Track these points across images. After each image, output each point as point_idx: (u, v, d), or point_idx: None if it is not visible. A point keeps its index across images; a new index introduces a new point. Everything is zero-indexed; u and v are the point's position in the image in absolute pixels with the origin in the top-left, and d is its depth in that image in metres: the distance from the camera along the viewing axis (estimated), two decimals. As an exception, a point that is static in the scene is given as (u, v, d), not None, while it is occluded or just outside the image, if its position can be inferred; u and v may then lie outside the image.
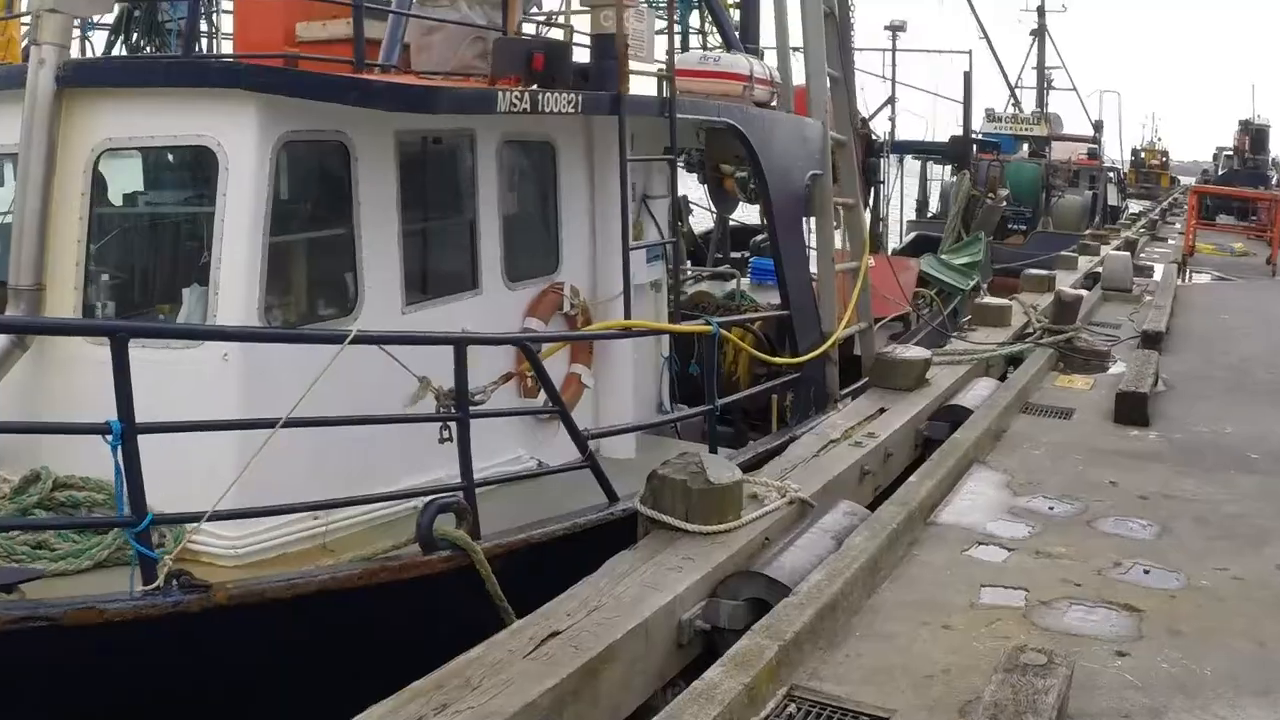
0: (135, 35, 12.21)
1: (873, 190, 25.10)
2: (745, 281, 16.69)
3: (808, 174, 13.22)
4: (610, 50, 10.48)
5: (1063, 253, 24.21)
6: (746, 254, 19.52)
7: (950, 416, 10.97)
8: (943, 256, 24.14)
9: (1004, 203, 28.91)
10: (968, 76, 27.07)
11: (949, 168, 33.95)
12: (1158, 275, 23.13)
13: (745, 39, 15.52)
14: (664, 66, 11.44)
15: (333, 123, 8.35)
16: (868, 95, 29.42)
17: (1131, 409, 10.68)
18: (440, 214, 9.96)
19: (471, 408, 7.59)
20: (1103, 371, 13.32)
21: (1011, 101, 47.08)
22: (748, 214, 20.92)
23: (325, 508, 7.55)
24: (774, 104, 13.35)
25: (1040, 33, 50.74)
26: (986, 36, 43.64)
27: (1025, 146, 44.76)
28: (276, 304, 8.32)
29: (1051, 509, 8.24)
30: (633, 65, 10.86)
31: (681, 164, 18.86)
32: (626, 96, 9.87)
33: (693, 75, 12.36)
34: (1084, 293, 19.82)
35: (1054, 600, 6.62)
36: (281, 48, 9.77)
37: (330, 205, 8.82)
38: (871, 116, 27.75)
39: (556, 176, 10.84)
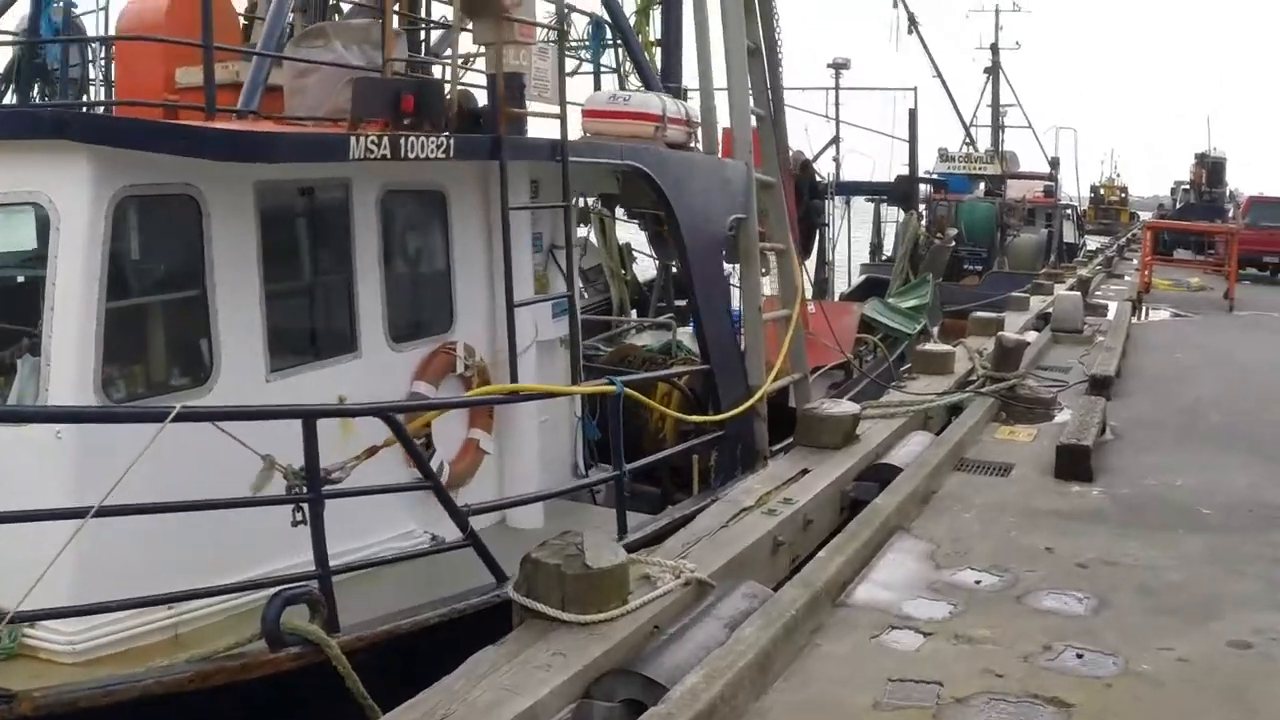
0: (23, 84, 11.80)
1: (818, 233, 24.42)
2: (688, 331, 16.00)
3: (730, 218, 12.48)
4: (510, 91, 9.80)
5: (1014, 293, 23.51)
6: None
7: (879, 476, 10.20)
8: (889, 300, 23.49)
9: (952, 243, 28.31)
10: (913, 114, 26.55)
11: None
12: (1111, 314, 22.51)
13: (667, 78, 14.84)
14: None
15: (179, 175, 7.58)
16: (811, 135, 28.78)
17: (1073, 463, 9.92)
18: (312, 271, 9.18)
19: (328, 486, 6.81)
20: (1048, 420, 12.58)
21: (965, 140, 46.66)
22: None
23: (157, 603, 6.78)
24: (694, 145, 12.63)
25: (994, 70, 50.43)
26: (940, 75, 43.31)
27: (981, 185, 44.33)
28: (118, 375, 7.51)
29: (978, 582, 7.43)
30: (535, 107, 10.22)
31: (621, 211, 18.21)
32: (507, 140, 9.05)
33: (601, 116, 11.63)
34: (1027, 337, 19.20)
35: (971, 696, 5.80)
36: (161, 94, 9.16)
37: (180, 265, 8.03)
38: (816, 157, 27.26)
39: (448, 227, 10.08)
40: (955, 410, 13.00)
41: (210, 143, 7.45)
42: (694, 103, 14.05)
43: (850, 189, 27.77)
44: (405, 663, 6.86)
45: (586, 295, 23.03)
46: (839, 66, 30.25)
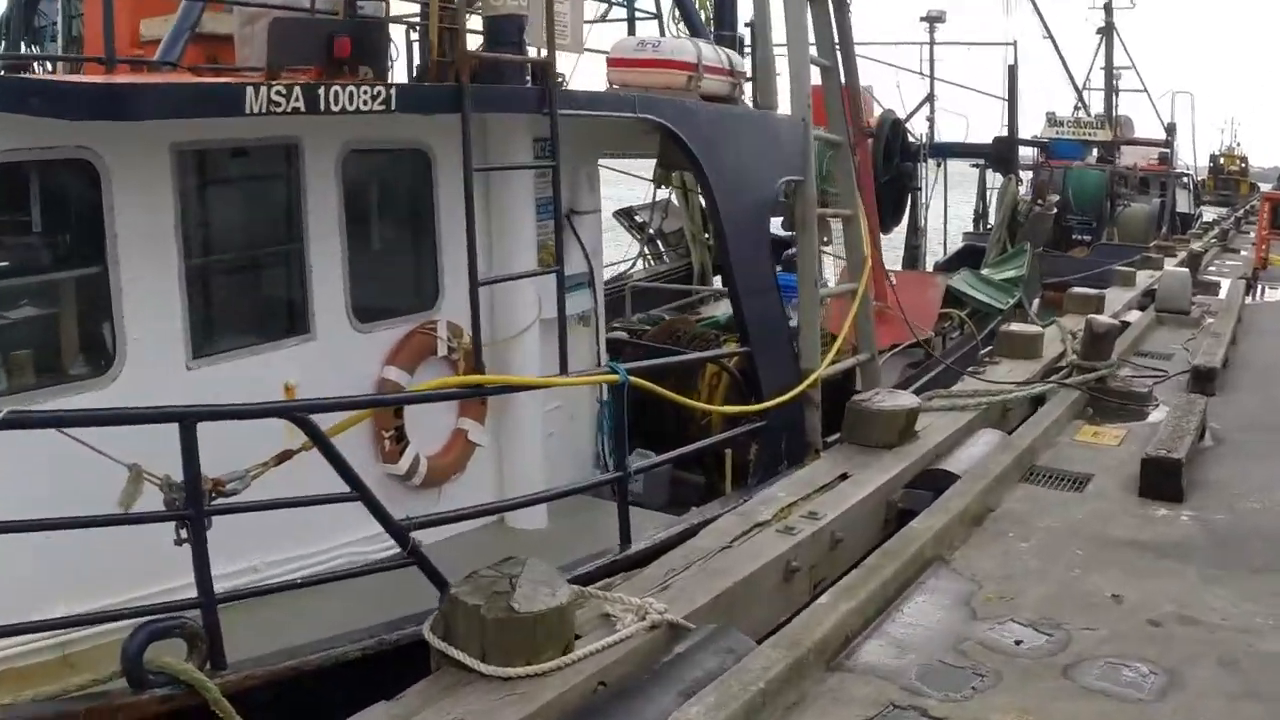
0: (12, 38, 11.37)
1: (909, 198, 22.73)
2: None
3: (781, 180, 11.03)
4: (505, 36, 8.49)
5: (1118, 266, 21.62)
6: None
7: (934, 483, 8.74)
8: (984, 271, 21.81)
9: (1054, 210, 26.40)
10: (1012, 70, 24.57)
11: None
12: (1223, 293, 20.59)
13: (721, 25, 13.32)
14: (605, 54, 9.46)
15: (72, 138, 6.50)
16: (904, 93, 27.04)
17: (1161, 480, 8.33)
18: (249, 243, 7.99)
19: (219, 500, 5.63)
20: (1141, 419, 10.96)
21: (1076, 105, 44.30)
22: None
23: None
24: (742, 98, 11.20)
25: (1108, 30, 47.74)
26: (1050, 35, 41.13)
27: (1094, 152, 42.16)
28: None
29: (1019, 643, 5.89)
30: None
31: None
32: (469, 89, 7.63)
33: (627, 65, 10.28)
34: (1130, 316, 17.45)
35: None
36: (129, 48, 8.38)
37: (76, 239, 6.98)
38: (909, 116, 25.54)
39: (434, 191, 8.83)
40: (1038, 402, 11.44)
41: (63, 100, 6.23)
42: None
43: (945, 150, 25.94)
44: (315, 702, 5.89)
45: (668, 260, 21.80)
46: (933, 20, 28.33)
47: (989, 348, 14.33)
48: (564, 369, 8.34)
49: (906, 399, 9.77)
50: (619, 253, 23.96)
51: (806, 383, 10.67)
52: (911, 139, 23.30)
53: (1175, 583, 6.76)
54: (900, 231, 23.63)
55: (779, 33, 12.06)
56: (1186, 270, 19.00)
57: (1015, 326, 14.06)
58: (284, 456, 6.11)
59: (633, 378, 8.10)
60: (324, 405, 6.34)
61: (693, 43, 10.34)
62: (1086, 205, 36.84)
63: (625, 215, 22.19)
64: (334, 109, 6.84)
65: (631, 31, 12.64)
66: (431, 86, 7.76)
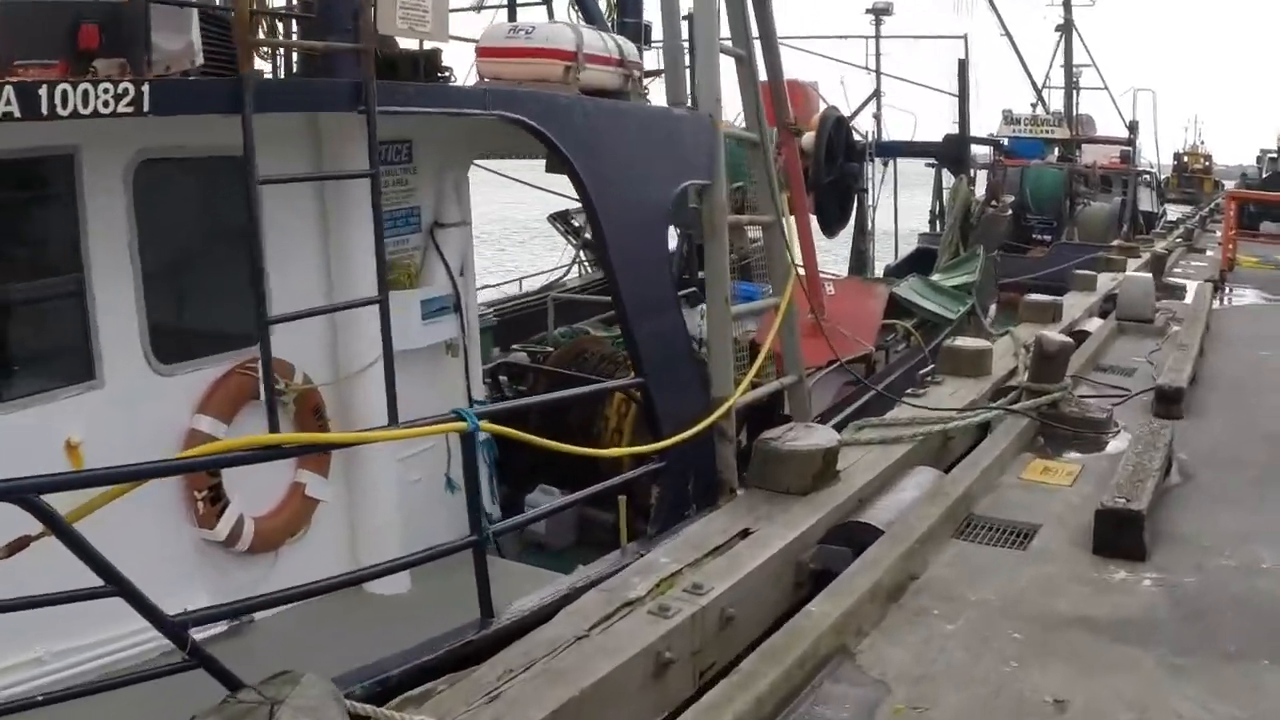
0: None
1: (855, 199, 21.42)
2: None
3: (681, 185, 9.71)
4: (337, 20, 7.13)
5: (1077, 271, 20.31)
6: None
7: (851, 538, 7.44)
8: (934, 277, 20.55)
9: (1009, 211, 25.18)
10: (962, 64, 23.27)
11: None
12: (1190, 296, 19.35)
13: (626, 12, 11.98)
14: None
15: None
16: (849, 89, 25.66)
17: (1117, 535, 7.00)
18: (15, 274, 6.59)
19: None
20: (1098, 449, 9.69)
21: (1033, 102, 43.22)
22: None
23: None
24: (639, 92, 9.86)
25: (1067, 28, 46.59)
26: (1008, 32, 40.00)
27: (1056, 151, 41.13)
28: None
29: (933, 782, 4.60)
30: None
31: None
32: (251, 80, 6.14)
33: (497, 55, 8.94)
34: (1090, 325, 16.23)
35: None
36: None
37: None
38: (854, 114, 24.28)
39: (257, 205, 7.46)
40: (984, 429, 10.16)
41: None
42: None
43: (892, 149, 24.65)
44: None
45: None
46: (879, 12, 27.01)
47: (928, 369, 13.04)
48: (393, 417, 6.93)
49: (823, 436, 8.42)
50: (554, 259, 22.64)
51: (716, 414, 9.32)
52: (858, 137, 22.01)
53: (1132, 678, 5.43)
54: (847, 235, 22.33)
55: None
56: (1149, 276, 17.71)
57: (961, 341, 12.73)
58: (17, 545, 4.73)
59: (486, 424, 6.79)
60: (47, 483, 4.88)
61: (572, 29, 8.99)
62: (1045, 204, 35.87)
63: (561, 219, 20.92)
64: (61, 113, 5.36)
65: (512, 17, 11.23)
66: (202, 82, 6.32)
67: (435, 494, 8.94)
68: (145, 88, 5.57)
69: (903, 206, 28.92)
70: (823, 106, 21.20)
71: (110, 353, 6.70)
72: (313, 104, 7.06)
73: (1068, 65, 46.75)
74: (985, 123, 41.75)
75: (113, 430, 6.60)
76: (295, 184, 7.62)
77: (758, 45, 11.47)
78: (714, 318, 9.90)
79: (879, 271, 24.52)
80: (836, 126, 20.04)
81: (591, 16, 11.04)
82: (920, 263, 24.12)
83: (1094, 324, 16.62)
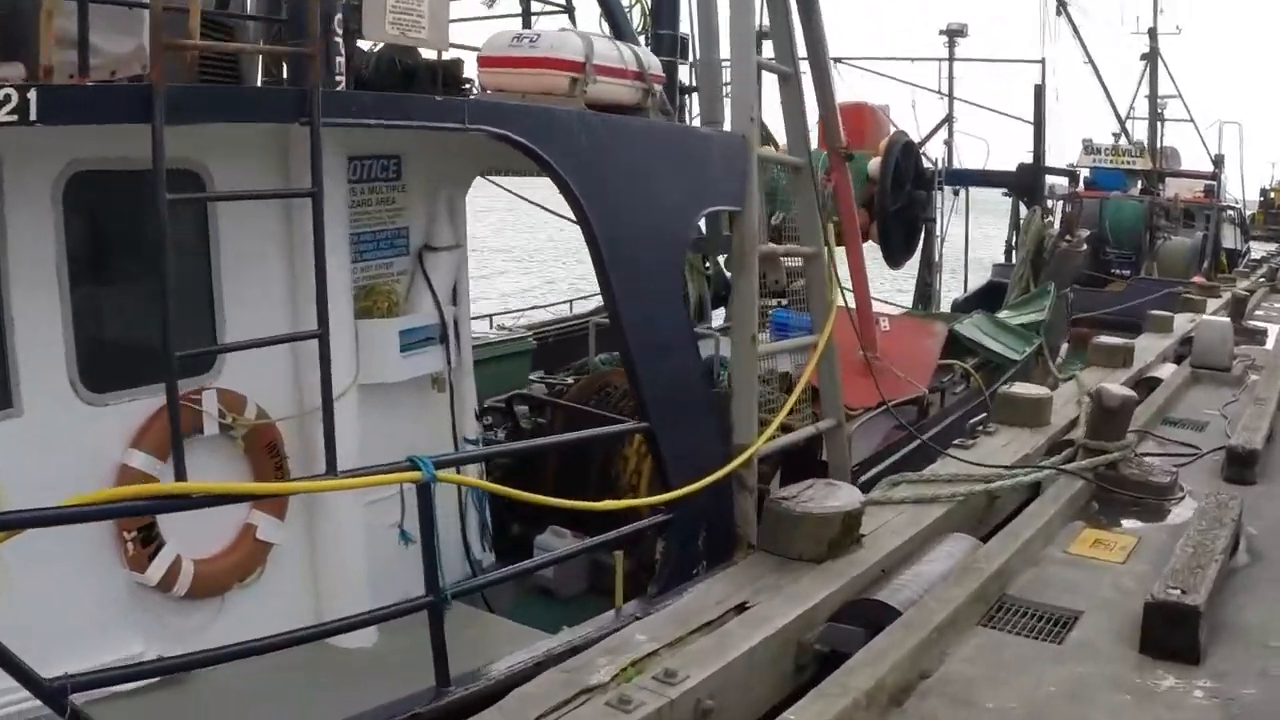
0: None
1: (923, 229, 20.39)
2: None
3: (705, 210, 8.87)
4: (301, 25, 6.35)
5: (1151, 311, 19.16)
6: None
7: (866, 616, 6.55)
8: (1002, 314, 19.49)
9: (1084, 246, 24.00)
10: (1039, 90, 22.14)
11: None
12: (1271, 341, 18.19)
13: (661, 24, 11.11)
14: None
15: None
16: (920, 113, 24.64)
17: (1168, 633, 6.03)
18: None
19: None
20: (1159, 518, 8.73)
21: (1115, 132, 41.75)
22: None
23: None
24: (667, 109, 9.03)
25: (1152, 57, 45.10)
26: (1091, 60, 38.70)
27: (1139, 183, 39.76)
28: None
29: None
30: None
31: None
32: (162, 89, 5.30)
33: (499, 65, 8.11)
34: (1159, 372, 15.15)
35: None
36: None
37: None
38: (925, 139, 23.17)
39: (210, 224, 6.77)
40: (1036, 489, 9.23)
41: None
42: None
43: (963, 178, 23.55)
44: None
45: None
46: (953, 33, 25.92)
47: (981, 417, 12.04)
48: (331, 465, 6.11)
49: (844, 497, 7.52)
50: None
51: (733, 464, 8.47)
52: (928, 164, 21.00)
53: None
54: (913, 266, 21.34)
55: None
56: (1227, 320, 16.50)
57: (1018, 388, 11.73)
58: None
59: (447, 474, 6.02)
60: None
61: (581, 37, 8.13)
62: (1124, 238, 34.75)
63: None
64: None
65: (527, 25, 10.40)
66: (105, 88, 5.50)
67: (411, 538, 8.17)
68: (32, 94, 4.78)
69: (980, 236, 27.84)
70: (892, 131, 20.27)
71: (31, 379, 5.98)
72: (244, 114, 6.25)
73: (1152, 95, 45.23)
74: (1065, 152, 40.52)
75: (32, 463, 5.89)
76: (258, 201, 6.88)
77: (806, 63, 10.68)
78: (738, 357, 9.08)
79: (946, 306, 23.45)
80: (905, 152, 19.08)
81: (619, 27, 10.18)
82: (991, 297, 23.05)
83: (1167, 370, 15.55)
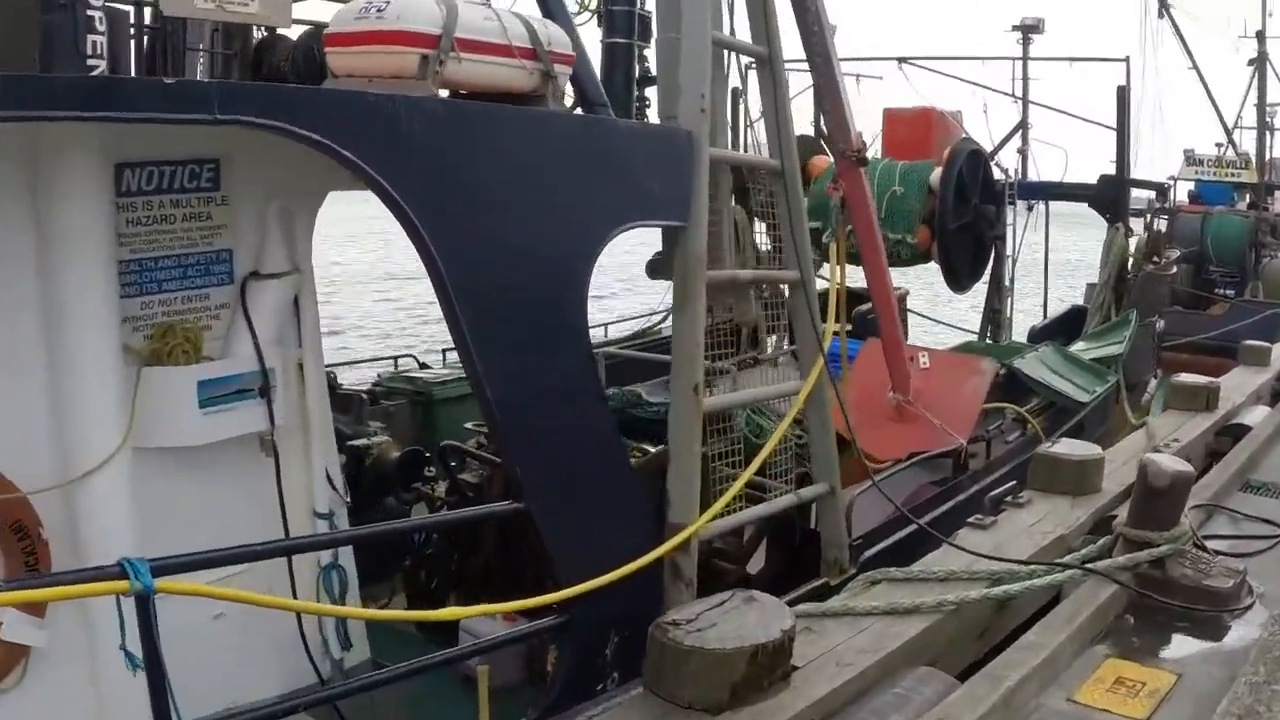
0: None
1: (992, 249, 18.20)
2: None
3: (621, 226, 6.95)
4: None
5: (1245, 341, 16.66)
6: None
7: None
8: (1078, 345, 17.30)
9: (1173, 269, 21.67)
10: (1122, 92, 19.74)
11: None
12: (1385, 383, 15.65)
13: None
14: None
15: None
16: (992, 119, 22.37)
17: None
18: None
19: None
20: (1216, 638, 6.62)
21: (1219, 143, 39.05)
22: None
23: None
24: (552, 94, 7.10)
25: (1261, 62, 42.01)
26: (1196, 66, 36.09)
27: (1247, 197, 37.08)
28: None
29: None
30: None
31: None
32: None
33: (343, 43, 6.36)
34: (1249, 417, 12.65)
35: None
36: None
37: None
38: (998, 148, 21.03)
39: None
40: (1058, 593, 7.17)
41: None
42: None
43: (1037, 190, 21.32)
44: None
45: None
46: (1028, 29, 23.50)
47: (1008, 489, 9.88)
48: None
49: (762, 619, 5.50)
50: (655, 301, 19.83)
51: (662, 549, 6.64)
52: (1002, 175, 18.83)
53: None
54: (979, 289, 19.20)
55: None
56: None
57: (1061, 445, 9.52)
58: None
59: (168, 582, 4.30)
60: None
61: (441, 3, 6.27)
62: (1227, 255, 32.30)
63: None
64: None
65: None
66: None
67: (253, 630, 6.43)
68: None
69: (1074, 253, 25.64)
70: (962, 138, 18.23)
71: None
72: None
73: (1261, 103, 42.21)
74: (1168, 165, 38.07)
75: None
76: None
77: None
78: (678, 414, 7.19)
79: (1022, 335, 21.22)
80: (970, 161, 17.00)
81: (548, 6, 8.19)
82: (1075, 324, 20.80)
83: (1258, 414, 13.06)
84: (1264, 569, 7.61)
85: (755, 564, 9.40)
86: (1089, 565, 7.03)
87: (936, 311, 24.69)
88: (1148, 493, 7.24)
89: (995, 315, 19.41)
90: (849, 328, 12.19)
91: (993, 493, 8.42)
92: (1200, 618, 6.77)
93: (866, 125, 19.65)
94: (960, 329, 20.59)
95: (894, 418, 11.89)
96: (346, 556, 7.61)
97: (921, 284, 18.94)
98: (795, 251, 8.23)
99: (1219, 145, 38.93)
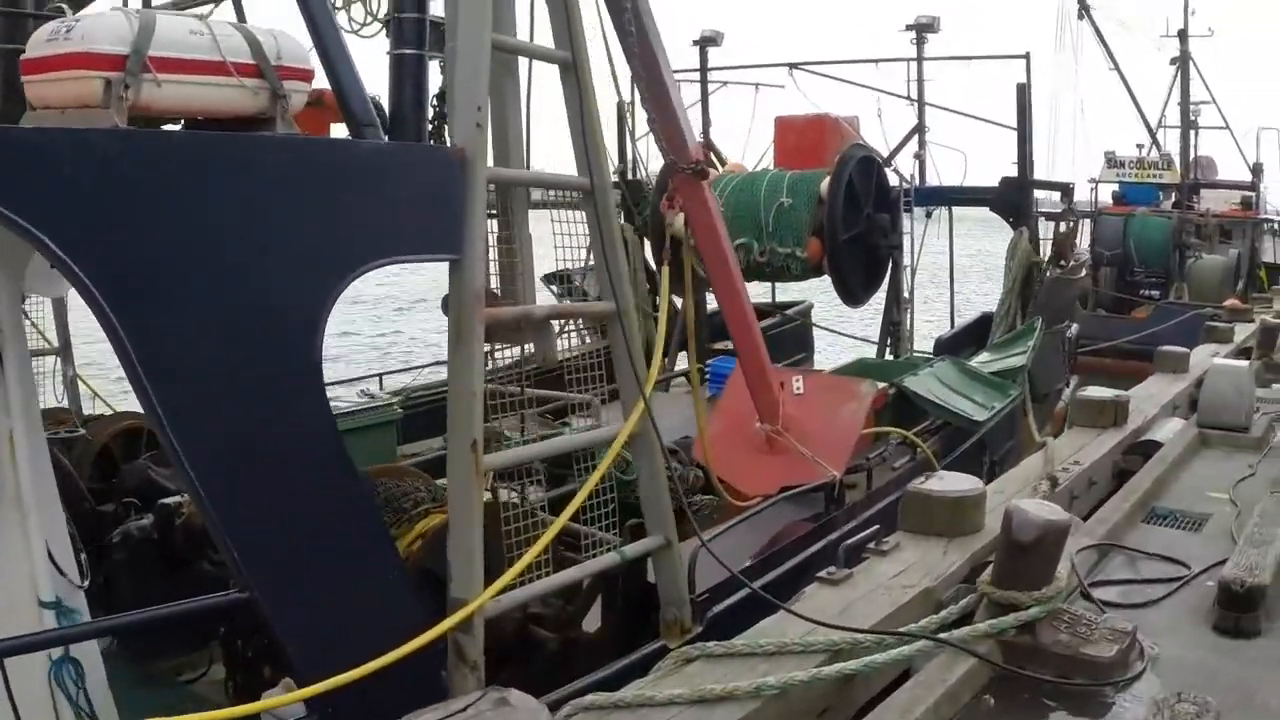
0: None
1: (889, 260, 17.20)
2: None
3: (366, 265, 5.80)
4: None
5: (1161, 347, 15.64)
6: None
7: None
8: (981, 357, 16.35)
9: (1083, 273, 20.93)
10: (1021, 90, 18.73)
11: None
12: (1306, 391, 14.69)
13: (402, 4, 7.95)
14: None
15: None
16: (887, 123, 21.59)
17: None
18: None
19: None
20: (1099, 717, 5.55)
21: (1140, 144, 38.73)
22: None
23: None
24: (281, 116, 5.97)
25: (1183, 60, 41.57)
26: (1117, 66, 35.68)
27: (1173, 197, 36.69)
28: None
29: None
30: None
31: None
32: None
33: (33, 70, 5.38)
34: (1159, 433, 11.62)
35: None
36: None
37: None
38: (894, 152, 20.11)
39: None
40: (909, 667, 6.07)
41: None
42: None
43: (934, 196, 20.43)
44: None
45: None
46: (921, 29, 22.56)
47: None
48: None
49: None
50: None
51: (440, 627, 5.58)
52: (897, 181, 17.87)
53: None
54: (876, 302, 18.24)
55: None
56: (1244, 365, 12.88)
57: (932, 484, 8.39)
58: None
59: None
60: None
61: (135, 17, 5.17)
62: (1151, 257, 31.92)
63: (558, 280, 17.03)
64: None
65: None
66: None
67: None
68: None
69: (993, 258, 24.84)
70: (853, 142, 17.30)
71: None
72: None
73: (1184, 102, 41.83)
74: (1090, 167, 37.75)
75: None
76: None
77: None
78: (454, 474, 6.08)
79: (927, 346, 20.27)
80: (861, 168, 16.02)
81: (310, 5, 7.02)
82: (985, 333, 19.83)
83: (1171, 428, 12.00)
84: (1161, 623, 6.58)
85: (593, 622, 8.39)
86: (939, 637, 5.90)
87: (848, 325, 23.81)
88: (1012, 547, 6.15)
89: (894, 328, 18.45)
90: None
91: (847, 541, 7.32)
92: (1076, 693, 5.69)
93: (768, 135, 18.78)
94: (868, 341, 19.64)
95: (763, 449, 10.89)
96: (85, 649, 6.42)
97: (831, 297, 18.00)
98: (610, 281, 7.15)
99: (1140, 146, 38.61)
